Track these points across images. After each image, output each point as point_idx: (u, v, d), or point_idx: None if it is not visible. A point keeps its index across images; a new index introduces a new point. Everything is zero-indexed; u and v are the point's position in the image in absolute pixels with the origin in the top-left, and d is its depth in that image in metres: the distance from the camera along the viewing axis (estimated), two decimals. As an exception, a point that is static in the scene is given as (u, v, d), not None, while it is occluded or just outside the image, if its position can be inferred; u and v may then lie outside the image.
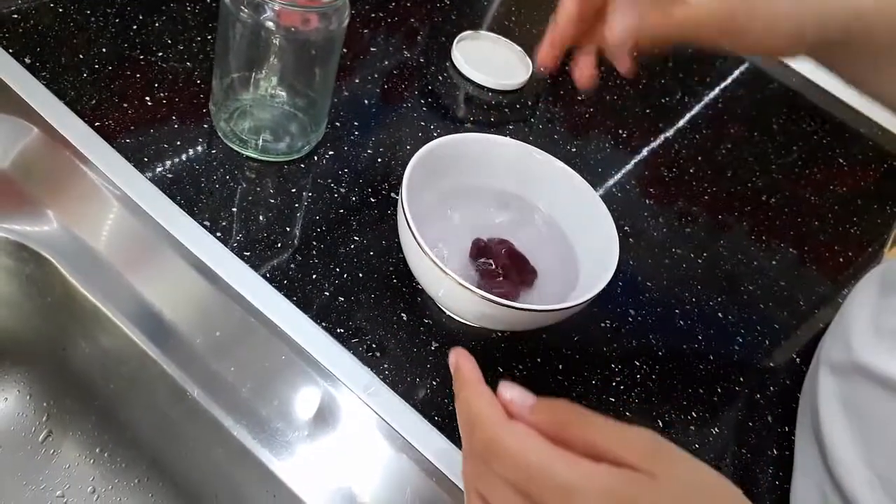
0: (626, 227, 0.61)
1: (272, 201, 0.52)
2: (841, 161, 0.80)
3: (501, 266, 0.48)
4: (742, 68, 0.88)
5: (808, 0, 0.41)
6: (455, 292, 0.43)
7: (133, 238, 0.49)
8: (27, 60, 0.54)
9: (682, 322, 0.56)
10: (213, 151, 0.54)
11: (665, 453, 0.29)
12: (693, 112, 0.78)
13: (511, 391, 0.33)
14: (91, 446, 0.53)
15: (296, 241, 0.51)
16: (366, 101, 0.63)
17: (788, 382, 0.55)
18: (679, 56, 0.85)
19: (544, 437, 0.29)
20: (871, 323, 0.44)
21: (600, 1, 0.42)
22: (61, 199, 0.50)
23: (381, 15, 0.72)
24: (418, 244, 0.43)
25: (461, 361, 0.35)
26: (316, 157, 0.56)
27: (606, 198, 0.52)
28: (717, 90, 0.83)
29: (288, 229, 0.51)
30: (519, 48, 0.73)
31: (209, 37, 0.62)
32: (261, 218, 0.51)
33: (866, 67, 0.45)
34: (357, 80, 0.64)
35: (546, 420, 0.30)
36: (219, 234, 0.49)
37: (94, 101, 0.53)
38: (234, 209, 0.51)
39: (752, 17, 0.40)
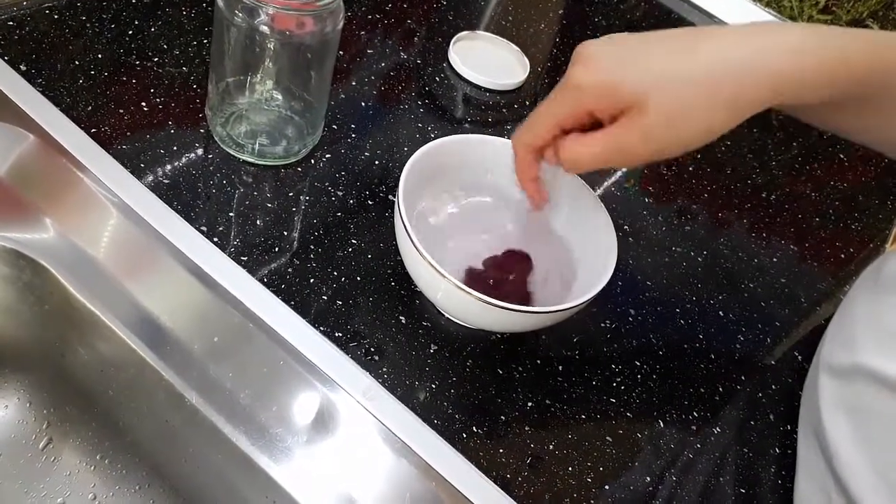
0: (625, 226, 0.61)
1: (269, 205, 0.52)
2: (841, 157, 0.79)
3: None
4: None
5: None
6: (453, 295, 0.43)
7: (130, 244, 0.49)
8: (23, 67, 0.54)
9: (682, 321, 0.56)
10: (210, 156, 0.54)
11: None
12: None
13: None
14: (91, 453, 0.53)
15: (293, 245, 0.51)
16: (363, 104, 0.63)
17: (790, 381, 0.55)
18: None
19: None
20: (872, 324, 0.43)
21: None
22: (58, 207, 0.50)
23: (377, 16, 0.72)
24: (415, 247, 0.43)
25: None
26: (313, 161, 0.56)
27: (605, 197, 0.52)
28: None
29: (285, 233, 0.51)
30: (516, 48, 0.73)
31: (205, 41, 0.61)
32: (258, 222, 0.51)
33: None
34: (354, 83, 0.64)
35: None
36: (216, 240, 0.49)
37: (90, 108, 0.53)
38: (231, 214, 0.51)
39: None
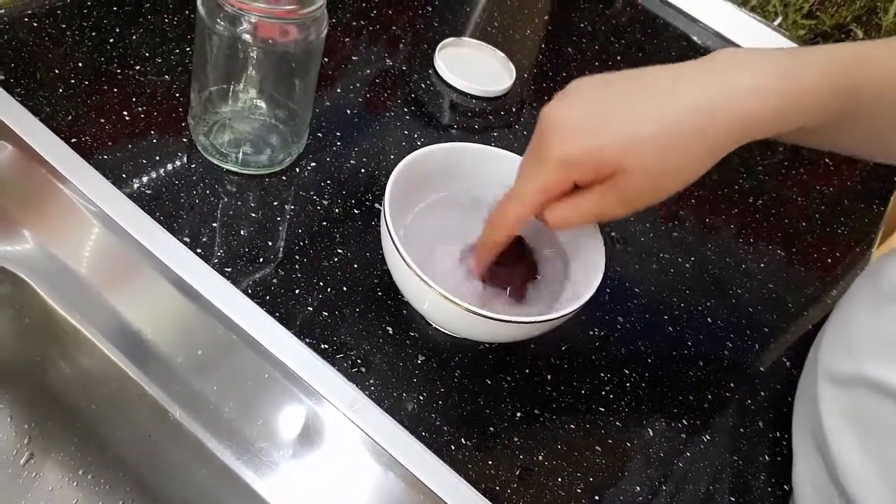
0: (612, 233, 0.61)
1: (253, 215, 0.52)
2: (827, 161, 0.80)
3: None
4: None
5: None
6: (440, 305, 0.43)
7: (112, 256, 0.48)
8: (1, 76, 0.53)
9: (671, 328, 0.56)
10: (193, 166, 0.53)
11: None
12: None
13: None
14: (74, 468, 0.52)
15: (278, 256, 0.50)
16: (348, 111, 0.62)
17: (779, 387, 0.55)
18: (663, 58, 0.85)
19: None
20: (875, 333, 0.42)
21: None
22: (38, 218, 0.49)
23: (362, 23, 0.72)
24: (402, 257, 0.43)
25: None
26: (298, 169, 0.56)
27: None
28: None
29: (270, 243, 0.51)
30: (502, 54, 0.73)
31: (188, 49, 0.61)
32: (242, 232, 0.50)
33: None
34: (339, 90, 0.64)
35: None
36: (199, 251, 0.48)
37: (70, 117, 0.52)
38: (215, 224, 0.50)
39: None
